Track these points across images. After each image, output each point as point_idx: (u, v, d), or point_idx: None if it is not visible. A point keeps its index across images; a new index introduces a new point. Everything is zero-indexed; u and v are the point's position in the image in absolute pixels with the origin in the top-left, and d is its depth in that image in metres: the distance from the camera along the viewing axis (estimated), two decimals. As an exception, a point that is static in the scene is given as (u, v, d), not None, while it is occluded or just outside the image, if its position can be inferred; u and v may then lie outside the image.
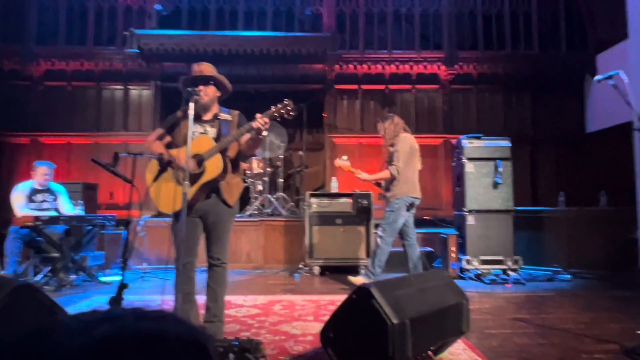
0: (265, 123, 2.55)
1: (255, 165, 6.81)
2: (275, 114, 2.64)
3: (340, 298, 4.11)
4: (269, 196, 6.81)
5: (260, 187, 6.90)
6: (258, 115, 2.57)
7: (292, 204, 7.05)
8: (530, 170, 7.55)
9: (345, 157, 4.68)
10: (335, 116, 7.64)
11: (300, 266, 5.75)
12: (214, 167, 2.67)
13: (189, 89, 2.61)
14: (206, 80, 2.79)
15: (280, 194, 7.00)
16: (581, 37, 7.64)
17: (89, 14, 7.51)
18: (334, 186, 6.19)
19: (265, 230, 6.21)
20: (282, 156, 7.24)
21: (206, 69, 2.82)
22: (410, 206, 4.51)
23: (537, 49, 7.63)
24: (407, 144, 4.53)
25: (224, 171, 2.69)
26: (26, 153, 7.27)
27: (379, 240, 4.53)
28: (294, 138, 8.20)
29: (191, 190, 2.58)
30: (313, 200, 5.80)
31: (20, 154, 7.34)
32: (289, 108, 2.64)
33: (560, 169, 7.55)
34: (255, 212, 6.69)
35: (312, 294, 4.46)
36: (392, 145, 4.54)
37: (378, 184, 4.77)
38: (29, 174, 5.20)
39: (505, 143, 5.50)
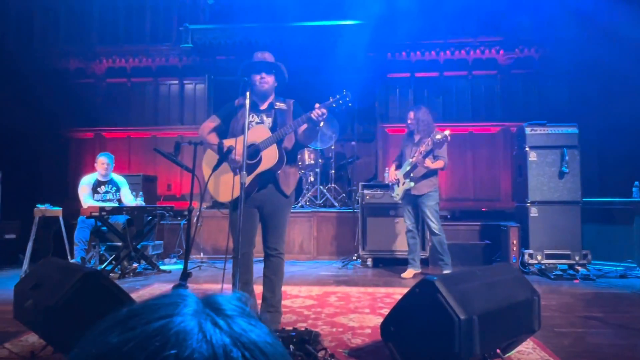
0: (323, 114, 2.52)
1: (307, 157, 6.80)
2: (334, 105, 2.60)
3: (396, 291, 4.05)
4: (321, 187, 6.79)
5: (312, 178, 6.89)
6: (317, 105, 2.54)
7: (343, 195, 7.00)
8: (598, 158, 7.04)
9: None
10: (387, 105, 7.47)
11: (354, 258, 5.70)
12: (270, 157, 2.66)
13: (245, 78, 2.61)
14: (269, 67, 2.78)
15: (332, 185, 6.96)
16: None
17: (146, 12, 7.75)
18: (387, 177, 6.06)
19: (317, 221, 6.19)
20: (333, 147, 7.19)
21: (269, 57, 2.82)
22: None
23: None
24: None
25: (280, 161, 2.67)
26: (90, 147, 7.65)
27: (440, 233, 4.65)
28: (346, 129, 8.11)
29: (247, 180, 2.59)
30: (366, 191, 5.72)
31: (84, 148, 7.73)
32: (347, 99, 2.59)
33: (634, 156, 6.97)
34: (308, 203, 6.69)
35: (367, 286, 4.40)
36: (429, 136, 4.63)
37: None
38: (93, 167, 5.46)
39: (572, 130, 5.16)
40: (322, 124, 2.57)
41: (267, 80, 2.76)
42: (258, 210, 2.81)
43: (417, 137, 4.77)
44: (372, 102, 7.59)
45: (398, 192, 4.84)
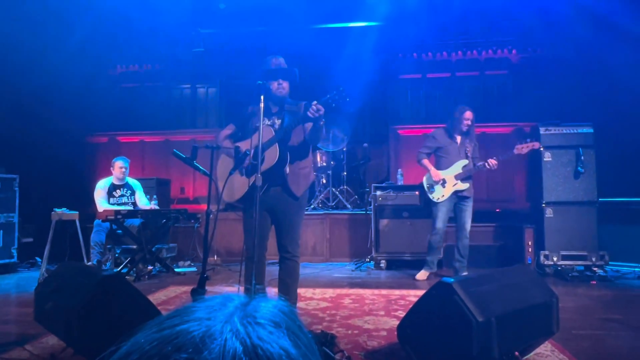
0: (319, 109, 2.57)
1: (319, 159, 6.81)
2: (329, 101, 2.65)
3: (410, 293, 4.04)
4: (333, 189, 6.78)
5: (324, 180, 6.90)
6: (314, 103, 2.59)
7: (356, 197, 6.99)
8: (615, 158, 6.92)
9: None
10: (398, 106, 7.45)
11: (367, 260, 5.68)
12: (271, 156, 2.74)
13: (260, 82, 2.65)
14: (286, 73, 2.84)
15: (344, 187, 6.96)
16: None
17: (158, 17, 7.82)
18: (400, 178, 6.04)
19: (330, 223, 6.19)
20: (345, 149, 7.18)
21: (283, 62, 2.87)
22: None
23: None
24: None
25: (280, 160, 2.73)
26: (105, 151, 7.73)
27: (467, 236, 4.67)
28: (357, 130, 8.10)
29: (251, 179, 2.68)
30: (378, 192, 5.70)
31: (99, 153, 7.81)
32: (343, 94, 2.66)
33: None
34: (320, 205, 6.70)
35: (381, 288, 4.38)
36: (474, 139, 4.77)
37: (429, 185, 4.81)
38: (108, 171, 5.52)
39: (587, 129, 5.13)
40: (322, 121, 2.63)
41: (284, 87, 2.84)
42: (269, 213, 2.83)
43: (459, 138, 4.67)
44: (384, 103, 7.57)
45: (444, 193, 4.61)
